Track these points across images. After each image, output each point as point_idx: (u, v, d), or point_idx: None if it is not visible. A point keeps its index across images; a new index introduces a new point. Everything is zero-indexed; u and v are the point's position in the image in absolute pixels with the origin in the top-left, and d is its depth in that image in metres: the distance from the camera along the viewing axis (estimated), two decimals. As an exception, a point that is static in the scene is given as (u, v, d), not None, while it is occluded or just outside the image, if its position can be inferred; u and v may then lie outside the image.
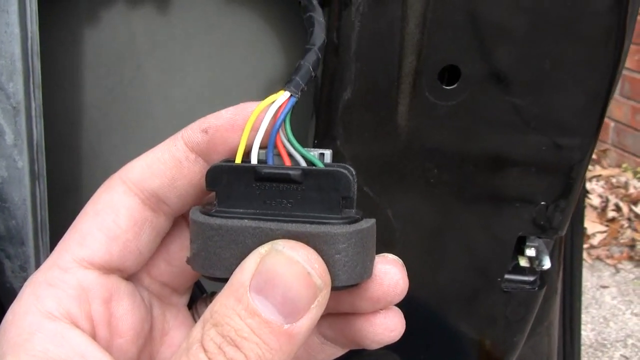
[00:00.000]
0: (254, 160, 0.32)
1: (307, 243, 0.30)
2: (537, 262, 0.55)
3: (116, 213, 0.33)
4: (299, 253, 0.29)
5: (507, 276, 0.56)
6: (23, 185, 0.45)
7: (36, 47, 0.44)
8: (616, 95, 2.88)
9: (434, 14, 0.45)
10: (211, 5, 0.52)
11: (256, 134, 0.32)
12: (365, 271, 0.32)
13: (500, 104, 0.48)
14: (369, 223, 0.32)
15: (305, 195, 0.32)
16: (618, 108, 2.95)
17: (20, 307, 0.32)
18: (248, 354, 0.28)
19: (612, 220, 2.66)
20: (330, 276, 0.30)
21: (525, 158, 0.50)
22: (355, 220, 0.31)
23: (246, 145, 0.33)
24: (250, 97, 0.53)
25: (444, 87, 0.47)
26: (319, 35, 0.38)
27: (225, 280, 0.30)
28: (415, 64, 0.47)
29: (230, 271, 0.30)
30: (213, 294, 0.39)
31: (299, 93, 0.33)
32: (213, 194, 0.33)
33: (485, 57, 0.47)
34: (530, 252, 0.55)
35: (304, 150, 0.33)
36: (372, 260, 0.32)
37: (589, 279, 2.35)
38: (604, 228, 2.61)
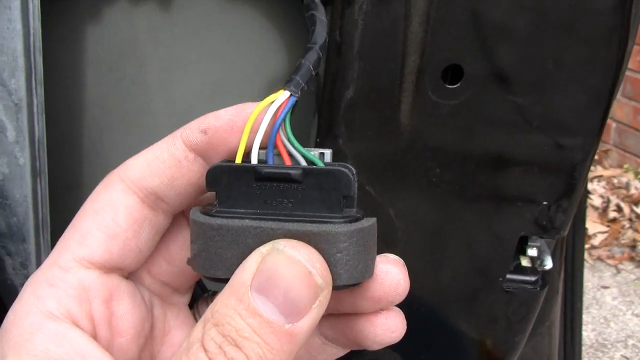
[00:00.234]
0: (254, 160, 0.32)
1: (308, 242, 0.30)
2: (538, 262, 0.55)
3: (115, 212, 0.33)
4: (300, 252, 0.29)
5: (508, 276, 0.56)
6: (24, 182, 0.45)
7: (38, 44, 0.43)
8: (618, 95, 2.87)
9: (438, 12, 0.45)
10: (213, 4, 0.52)
11: (256, 134, 0.32)
12: (367, 270, 0.32)
13: (503, 104, 0.48)
14: (370, 222, 0.32)
15: (305, 195, 0.31)
16: (620, 109, 2.94)
17: (21, 307, 0.32)
18: (249, 353, 0.28)
19: (613, 220, 2.65)
20: (332, 275, 0.30)
21: (527, 158, 0.50)
22: (356, 219, 0.31)
23: (246, 146, 0.32)
24: (252, 95, 0.53)
25: (447, 86, 0.47)
26: (321, 33, 0.38)
27: (226, 280, 0.30)
28: (418, 63, 0.46)
29: (232, 271, 0.30)
30: (214, 294, 0.39)
31: (299, 92, 0.33)
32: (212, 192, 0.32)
33: (488, 56, 0.47)
34: (532, 252, 0.55)
35: (304, 150, 0.32)
36: (373, 260, 0.32)
37: (589, 280, 2.35)
38: (605, 228, 2.61)
